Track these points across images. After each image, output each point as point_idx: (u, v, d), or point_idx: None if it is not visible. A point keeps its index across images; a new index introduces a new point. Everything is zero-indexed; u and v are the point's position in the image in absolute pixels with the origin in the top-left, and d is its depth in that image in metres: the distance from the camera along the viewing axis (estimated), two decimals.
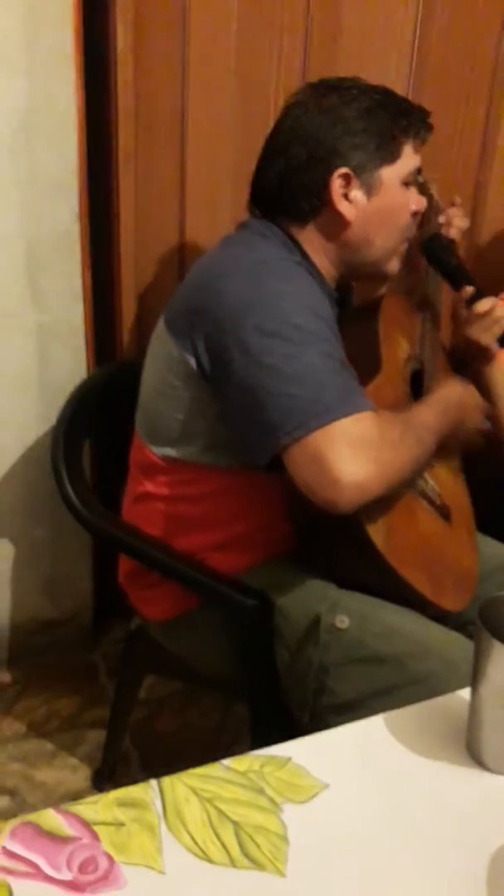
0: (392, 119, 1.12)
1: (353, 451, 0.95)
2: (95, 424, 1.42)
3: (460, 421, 1.19)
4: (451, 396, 1.18)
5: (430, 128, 1.16)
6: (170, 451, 1.16)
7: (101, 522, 1.28)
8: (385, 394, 1.12)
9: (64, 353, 1.59)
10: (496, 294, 1.33)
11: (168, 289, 1.61)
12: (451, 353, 1.44)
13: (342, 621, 1.07)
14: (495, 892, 0.62)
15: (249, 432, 1.02)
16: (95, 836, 0.64)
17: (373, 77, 1.18)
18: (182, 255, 1.64)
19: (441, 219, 1.32)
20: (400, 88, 1.55)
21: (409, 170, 1.15)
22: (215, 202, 1.60)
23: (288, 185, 1.13)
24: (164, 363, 1.13)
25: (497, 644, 0.69)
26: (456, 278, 1.31)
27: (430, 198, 1.29)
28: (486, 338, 1.30)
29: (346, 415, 0.96)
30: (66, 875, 0.61)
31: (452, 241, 1.32)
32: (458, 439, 1.23)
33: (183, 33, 1.47)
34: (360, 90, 1.12)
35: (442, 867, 0.64)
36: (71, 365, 1.59)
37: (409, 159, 1.14)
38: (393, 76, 1.60)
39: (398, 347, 1.22)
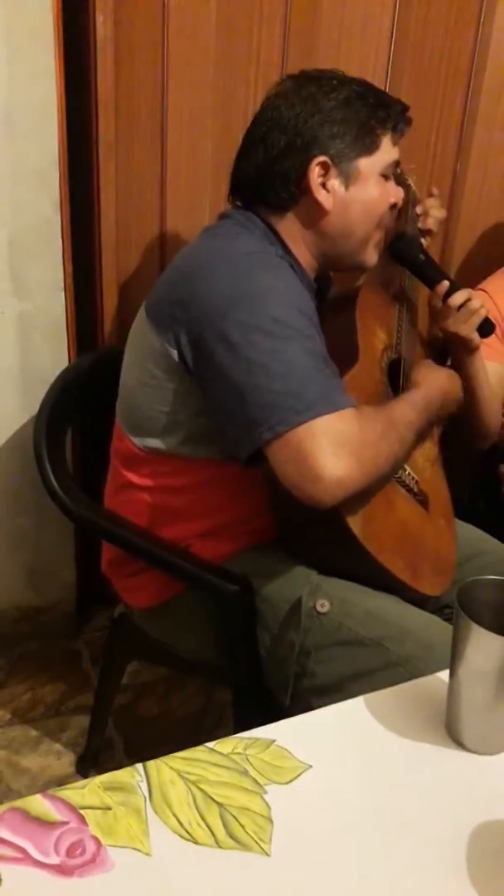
0: (371, 111, 1.12)
1: (334, 448, 0.96)
2: (78, 413, 1.43)
3: (440, 414, 1.21)
4: (436, 392, 1.19)
5: (408, 121, 1.17)
6: (151, 442, 1.17)
7: (83, 511, 1.29)
8: (362, 383, 1.13)
9: (45, 342, 1.59)
10: (473, 284, 1.34)
11: (149, 278, 1.62)
12: (430, 345, 1.46)
13: (323, 605, 1.08)
14: (475, 869, 0.64)
15: (231, 426, 1.02)
16: (83, 820, 0.65)
17: (351, 69, 1.19)
18: (163, 245, 1.64)
19: (418, 210, 1.33)
20: (378, 80, 1.56)
21: (387, 162, 1.15)
22: (196, 192, 1.60)
23: (267, 174, 1.13)
24: (145, 355, 1.13)
25: (474, 627, 0.71)
26: (428, 275, 1.32)
27: (407, 189, 1.30)
28: (466, 329, 1.32)
29: (328, 411, 0.97)
30: (54, 859, 0.62)
31: (419, 238, 1.33)
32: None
33: (162, 23, 1.46)
34: (340, 81, 1.13)
35: (423, 845, 0.66)
36: (53, 354, 1.59)
37: (387, 152, 1.15)
38: (371, 68, 1.61)
39: (375, 337, 1.23)
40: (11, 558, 1.75)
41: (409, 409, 1.12)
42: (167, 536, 1.20)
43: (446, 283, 1.30)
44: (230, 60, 1.53)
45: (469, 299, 1.30)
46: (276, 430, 0.96)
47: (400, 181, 1.24)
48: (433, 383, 1.21)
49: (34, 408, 1.36)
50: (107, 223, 1.55)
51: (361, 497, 1.05)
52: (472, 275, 1.61)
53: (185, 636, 1.26)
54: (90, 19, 1.40)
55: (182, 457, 1.15)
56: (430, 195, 1.37)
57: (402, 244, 1.30)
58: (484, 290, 1.63)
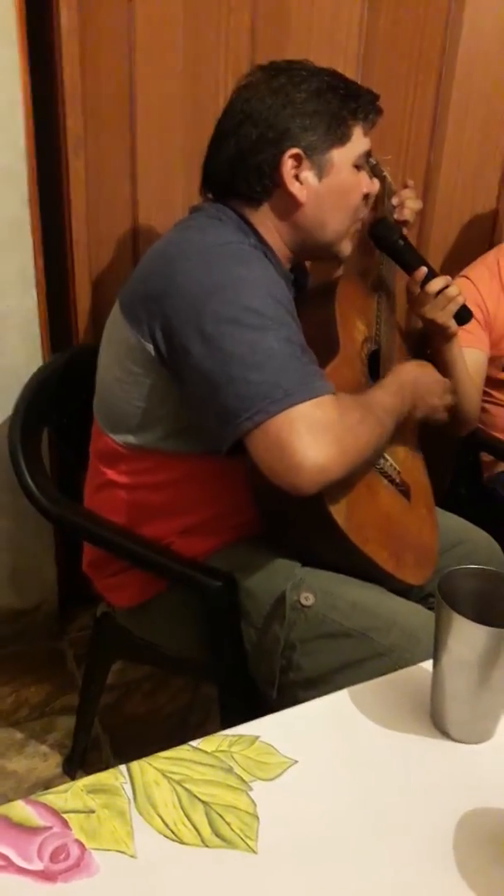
0: (341, 102, 1.12)
1: (313, 435, 0.95)
2: (54, 412, 1.41)
3: (417, 398, 1.21)
4: (406, 378, 1.19)
5: (379, 111, 1.17)
6: (130, 439, 1.16)
7: (62, 512, 1.27)
8: (343, 375, 1.13)
9: (19, 341, 1.57)
10: (449, 273, 1.34)
11: (122, 274, 1.60)
12: (409, 334, 1.45)
13: (307, 598, 1.08)
14: (463, 858, 0.64)
15: (210, 418, 1.02)
16: (66, 825, 0.64)
17: (321, 59, 1.18)
18: (135, 240, 1.62)
19: (394, 200, 1.33)
20: (349, 70, 1.55)
21: (359, 152, 1.15)
22: (167, 185, 1.59)
23: (239, 167, 1.13)
24: (121, 350, 1.12)
25: (456, 616, 0.71)
26: (407, 260, 1.32)
27: (383, 179, 1.30)
28: (443, 316, 1.32)
29: (306, 399, 0.96)
30: (38, 865, 0.61)
31: (399, 224, 1.33)
32: (420, 416, 1.24)
33: (128, 14, 1.45)
34: (310, 72, 1.13)
35: (410, 836, 0.66)
36: (26, 353, 1.58)
37: (358, 142, 1.15)
38: (342, 58, 1.60)
39: (355, 329, 1.23)
40: None
41: (385, 394, 1.13)
42: (148, 534, 1.19)
43: (424, 270, 1.30)
44: (198, 50, 1.51)
45: (447, 286, 1.30)
46: (254, 420, 0.96)
47: (375, 172, 1.23)
48: (402, 370, 1.21)
49: (9, 408, 1.34)
50: (77, 219, 1.53)
51: (344, 488, 1.04)
52: (449, 264, 1.61)
53: (170, 634, 1.26)
54: (54, 11, 1.38)
55: (162, 452, 1.15)
56: (406, 186, 1.37)
57: (381, 229, 1.30)
58: (466, 278, 1.63)
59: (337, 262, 1.34)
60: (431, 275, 1.30)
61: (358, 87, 1.16)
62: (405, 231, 1.35)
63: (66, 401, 1.40)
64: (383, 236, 1.30)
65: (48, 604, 1.84)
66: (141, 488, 1.18)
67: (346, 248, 1.22)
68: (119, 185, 1.57)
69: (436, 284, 1.30)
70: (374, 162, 1.22)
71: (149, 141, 1.55)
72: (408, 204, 1.34)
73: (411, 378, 1.20)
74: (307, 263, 1.34)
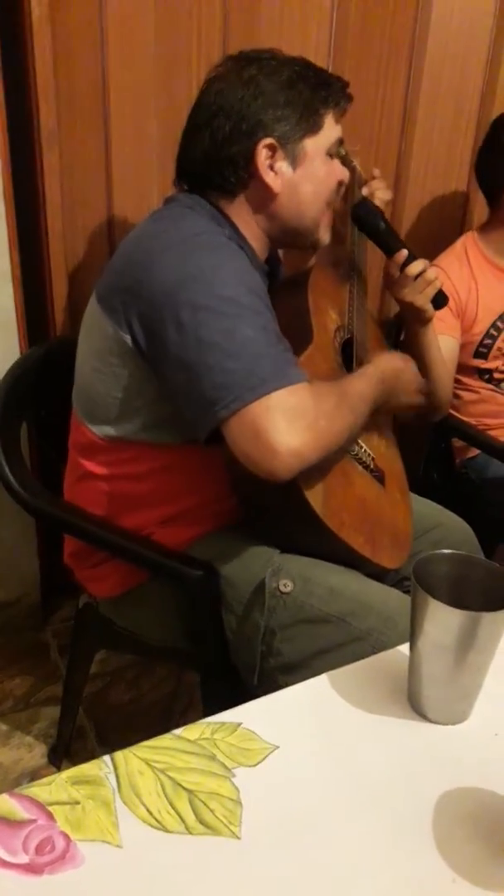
0: (312, 90, 1.12)
1: (288, 422, 0.96)
2: (32, 405, 1.41)
3: (394, 391, 1.22)
4: (387, 369, 1.21)
5: (349, 98, 1.17)
6: (109, 430, 1.16)
7: (42, 505, 1.27)
8: (317, 364, 1.14)
9: None
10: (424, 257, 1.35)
11: (98, 266, 1.60)
12: (383, 322, 1.46)
13: (286, 585, 1.09)
14: (440, 836, 0.65)
15: (188, 407, 1.02)
16: (51, 817, 0.65)
17: (293, 48, 1.18)
18: (111, 232, 1.62)
19: (364, 190, 1.33)
20: (320, 60, 1.56)
21: (331, 140, 1.16)
22: (142, 176, 1.58)
23: (214, 159, 1.13)
24: (99, 341, 1.12)
25: (431, 601, 0.72)
26: (388, 243, 1.32)
27: (353, 170, 1.30)
28: (421, 299, 1.33)
29: (281, 386, 0.97)
30: (23, 858, 0.61)
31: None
32: (391, 409, 1.26)
33: (100, 5, 1.44)
34: (280, 62, 1.13)
35: (390, 816, 0.67)
36: (4, 347, 1.57)
37: (331, 129, 1.15)
38: (313, 47, 1.60)
39: (328, 318, 1.24)
40: None
41: (361, 382, 1.14)
42: (129, 524, 1.20)
43: (405, 252, 1.31)
44: (170, 41, 1.51)
45: (426, 269, 1.31)
46: (230, 408, 0.97)
47: (345, 162, 1.24)
48: (386, 360, 1.23)
49: None
50: (52, 211, 1.53)
51: (320, 474, 1.05)
52: (421, 250, 1.61)
53: (151, 623, 1.27)
54: (24, 3, 1.36)
55: (141, 443, 1.15)
56: (373, 177, 1.37)
57: (364, 211, 1.30)
58: (437, 266, 1.65)
59: (313, 251, 1.34)
60: (411, 258, 1.31)
61: (328, 75, 1.16)
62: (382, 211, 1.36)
63: (44, 394, 1.39)
64: (366, 219, 1.31)
65: (30, 595, 1.84)
66: (120, 479, 1.19)
67: (325, 236, 1.22)
68: (94, 177, 1.56)
69: (415, 267, 1.31)
70: (344, 152, 1.23)
71: (122, 132, 1.54)
72: (378, 194, 1.35)
73: (393, 371, 1.22)
74: (280, 253, 1.34)
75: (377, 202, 1.34)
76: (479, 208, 1.86)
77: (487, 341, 1.70)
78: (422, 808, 0.67)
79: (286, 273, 1.35)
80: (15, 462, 1.27)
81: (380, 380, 1.17)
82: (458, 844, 0.64)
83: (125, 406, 1.13)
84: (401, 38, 1.68)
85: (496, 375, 1.73)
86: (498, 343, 1.70)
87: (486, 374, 1.73)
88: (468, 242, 1.72)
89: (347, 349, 1.26)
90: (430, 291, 1.33)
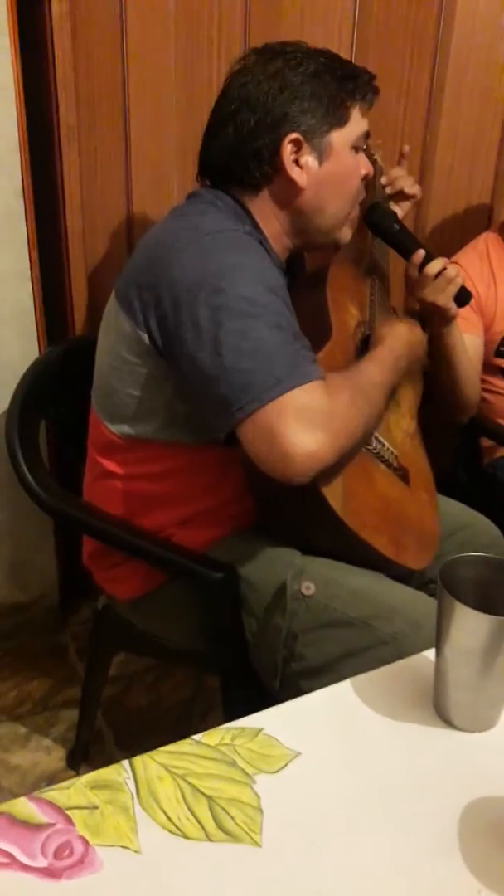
0: (339, 83, 1.11)
1: (302, 423, 0.95)
2: (51, 405, 1.41)
3: (408, 367, 1.21)
4: (399, 346, 1.19)
5: (376, 91, 1.16)
6: (127, 429, 1.15)
7: (60, 505, 1.27)
8: (336, 360, 1.12)
9: (14, 334, 1.56)
10: (446, 256, 1.34)
11: (118, 264, 1.60)
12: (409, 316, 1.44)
13: (308, 588, 1.08)
14: (467, 848, 0.63)
15: (205, 407, 1.01)
16: (69, 821, 0.64)
17: (316, 39, 1.17)
18: (130, 229, 1.61)
19: (383, 180, 1.31)
20: (343, 50, 1.54)
21: (357, 133, 1.14)
22: (162, 173, 1.58)
23: (238, 154, 1.12)
24: (118, 340, 1.12)
25: (458, 605, 0.70)
26: (404, 245, 1.31)
27: (374, 163, 1.29)
28: (443, 298, 1.32)
29: (295, 386, 0.95)
30: (42, 862, 0.61)
31: (411, 198, 1.32)
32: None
33: (120, 1, 1.43)
34: (305, 54, 1.11)
35: (415, 826, 0.66)
36: (22, 346, 1.57)
37: (357, 123, 1.14)
38: (336, 38, 1.59)
39: (347, 314, 1.22)
40: None
41: (375, 368, 1.12)
42: (147, 525, 1.19)
43: (422, 252, 1.29)
44: (191, 37, 1.50)
45: (445, 268, 1.29)
46: (246, 410, 0.95)
47: (367, 155, 1.22)
48: (394, 336, 1.20)
49: (5, 401, 1.34)
50: (72, 209, 1.53)
51: (339, 473, 1.04)
52: (445, 247, 1.60)
53: (171, 626, 1.26)
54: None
55: (159, 442, 1.14)
56: (403, 155, 1.36)
57: (377, 215, 1.29)
58: (456, 263, 1.63)
59: (334, 249, 1.33)
60: (429, 257, 1.30)
61: (354, 68, 1.15)
62: (402, 213, 1.35)
63: (63, 393, 1.39)
64: (379, 222, 1.30)
65: (49, 597, 1.84)
66: (139, 479, 1.18)
67: (346, 234, 1.21)
68: (113, 175, 1.56)
69: (434, 266, 1.29)
70: (366, 145, 1.21)
71: (142, 128, 1.54)
72: (398, 184, 1.33)
73: (405, 345, 1.20)
74: None
75: (406, 191, 1.32)
76: None
77: None
78: (447, 817, 0.66)
79: (307, 269, 1.34)
80: (33, 461, 1.27)
81: (393, 360, 1.15)
82: (484, 854, 0.63)
83: (143, 405, 1.13)
84: (425, 28, 1.66)
85: None
86: None
87: None
88: (490, 239, 1.70)
89: (367, 345, 1.25)
90: (452, 289, 1.31)
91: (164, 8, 1.46)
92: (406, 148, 1.37)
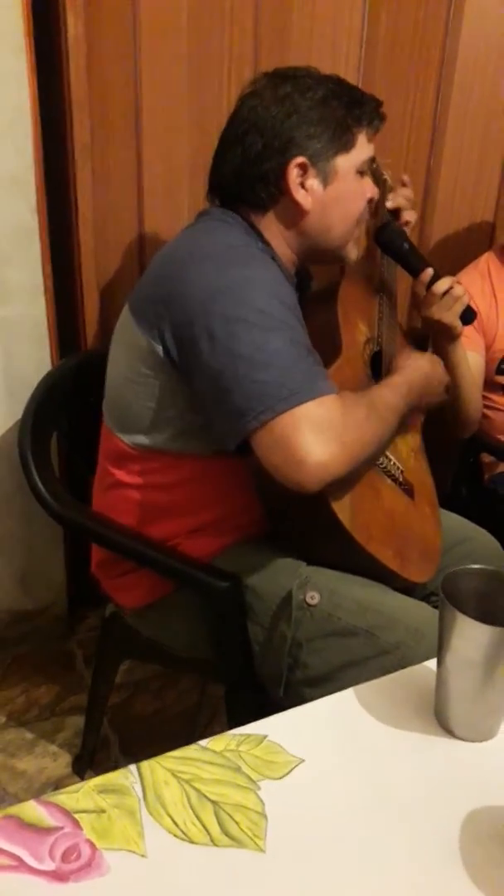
0: (346, 109, 1.13)
1: (317, 433, 0.97)
2: (62, 416, 1.42)
3: (422, 397, 1.22)
4: (417, 377, 1.21)
5: (383, 117, 1.18)
6: (140, 439, 1.17)
7: (70, 514, 1.29)
8: (345, 376, 1.14)
9: (28, 347, 1.58)
10: (450, 275, 1.35)
11: (129, 279, 1.62)
12: (411, 335, 1.46)
13: (313, 597, 1.09)
14: (468, 856, 0.64)
15: (218, 418, 1.03)
16: (77, 825, 0.65)
17: (323, 64, 1.19)
18: (142, 246, 1.63)
19: (389, 203, 1.33)
20: (350, 75, 1.56)
21: (363, 159, 1.16)
22: (173, 192, 1.60)
23: (245, 175, 1.14)
24: (131, 352, 1.13)
25: (460, 616, 0.71)
26: (412, 263, 1.32)
27: (384, 183, 1.30)
28: (449, 316, 1.33)
29: (310, 398, 0.97)
30: (49, 865, 0.62)
31: (405, 226, 1.34)
32: (421, 409, 1.25)
33: (133, 22, 1.46)
34: (315, 80, 1.13)
35: (417, 834, 0.66)
36: (35, 359, 1.59)
37: (363, 148, 1.16)
38: (343, 63, 1.61)
39: (357, 330, 1.24)
40: (1, 563, 1.75)
41: (390, 392, 1.14)
42: (156, 534, 1.21)
43: (430, 271, 1.31)
44: (202, 57, 1.52)
45: (452, 287, 1.31)
46: (260, 419, 0.97)
47: (375, 175, 1.24)
48: (414, 367, 1.23)
49: (18, 413, 1.36)
50: (85, 226, 1.55)
51: (348, 487, 1.06)
52: (448, 267, 1.61)
53: (177, 634, 1.27)
54: (61, 20, 1.39)
55: (171, 453, 1.16)
56: (403, 184, 1.38)
57: (387, 233, 1.31)
58: (457, 282, 1.64)
59: (341, 266, 1.35)
60: (437, 276, 1.31)
61: (362, 94, 1.16)
62: (408, 233, 1.36)
63: (74, 405, 1.41)
64: (389, 242, 1.31)
65: (57, 605, 1.85)
66: (150, 488, 1.20)
67: (353, 252, 1.23)
68: (126, 193, 1.58)
69: (442, 285, 1.31)
70: (375, 165, 1.23)
71: (154, 147, 1.56)
72: (404, 215, 1.34)
73: (423, 376, 1.22)
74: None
75: (403, 216, 1.34)
76: None
77: None
78: (448, 826, 0.67)
79: (316, 286, 1.35)
80: (45, 472, 1.29)
81: (409, 389, 1.17)
82: (484, 863, 0.64)
83: (156, 416, 1.14)
84: (431, 54, 1.68)
85: None
86: None
87: None
88: (491, 259, 1.72)
89: (377, 361, 1.27)
90: (458, 308, 1.33)
91: (176, 31, 1.49)
92: (406, 178, 1.39)
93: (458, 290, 1.32)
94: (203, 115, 1.54)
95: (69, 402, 1.41)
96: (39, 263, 1.53)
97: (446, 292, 1.31)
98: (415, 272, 1.32)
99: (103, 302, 1.63)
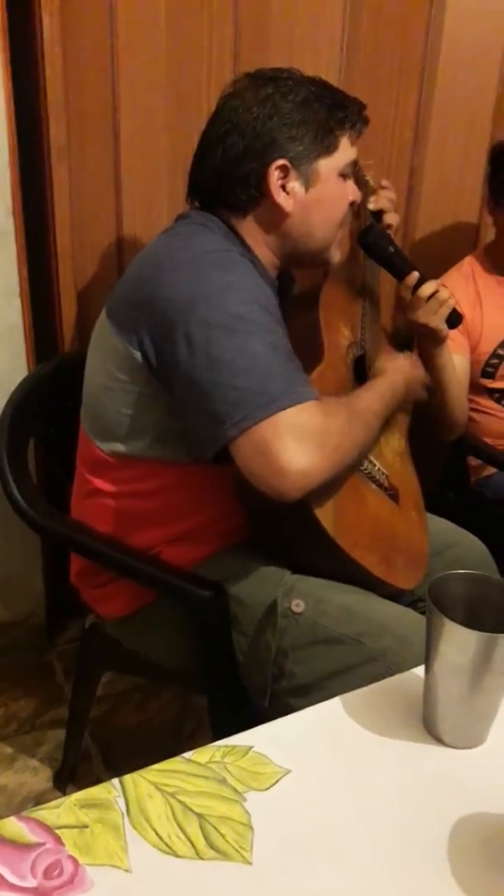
0: (329, 111, 1.12)
1: (297, 440, 0.95)
2: (39, 423, 1.40)
3: (404, 399, 1.22)
4: (396, 380, 1.21)
5: (366, 120, 1.18)
6: (118, 447, 1.16)
7: (48, 523, 1.26)
8: (328, 380, 1.13)
9: (4, 351, 1.56)
10: (435, 277, 1.35)
11: (107, 283, 1.60)
12: (395, 338, 1.46)
13: (298, 605, 1.08)
14: (456, 862, 0.64)
15: (197, 424, 1.01)
16: (59, 841, 0.64)
17: (304, 64, 1.19)
18: (120, 249, 1.62)
19: (371, 205, 1.33)
20: (332, 75, 1.57)
21: (345, 162, 1.16)
22: (152, 194, 1.59)
23: (226, 177, 1.13)
24: (108, 358, 1.12)
25: (447, 622, 0.71)
26: (398, 267, 1.32)
27: (365, 184, 1.30)
28: (435, 320, 1.33)
29: (291, 404, 0.96)
30: (31, 882, 0.60)
31: (388, 229, 1.33)
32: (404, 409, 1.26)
33: (111, 22, 1.45)
34: (297, 81, 1.13)
35: (405, 842, 0.66)
36: (11, 363, 1.57)
37: (345, 151, 1.15)
38: (324, 63, 1.61)
39: (339, 334, 1.23)
40: None
41: (372, 397, 1.13)
42: (137, 543, 1.19)
43: (416, 274, 1.31)
44: (181, 59, 1.52)
45: (438, 290, 1.31)
46: (240, 427, 0.96)
47: (357, 177, 1.24)
48: (395, 370, 1.22)
49: None
50: (62, 228, 1.53)
51: (331, 493, 1.05)
52: (433, 268, 1.62)
53: (160, 645, 1.25)
54: (36, 19, 1.38)
55: (149, 460, 1.14)
56: (382, 187, 1.37)
57: (371, 236, 1.30)
58: (443, 286, 1.65)
59: (324, 269, 1.34)
60: (422, 279, 1.31)
61: (345, 97, 1.16)
62: (392, 235, 1.36)
63: (52, 411, 1.39)
64: (374, 244, 1.31)
65: (36, 616, 1.83)
66: (129, 497, 1.18)
67: (335, 255, 1.22)
68: (103, 194, 1.57)
69: (427, 289, 1.31)
70: (357, 167, 1.23)
71: (132, 148, 1.55)
72: (385, 217, 1.34)
73: (403, 379, 1.22)
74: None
75: (386, 219, 1.34)
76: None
77: (494, 361, 1.69)
78: (437, 834, 0.66)
79: (298, 290, 1.35)
80: (22, 479, 1.26)
81: (392, 393, 1.17)
82: (473, 870, 0.63)
83: (134, 423, 1.13)
84: (412, 56, 1.69)
85: None
86: None
87: (495, 394, 1.72)
88: (475, 261, 1.72)
89: (360, 365, 1.26)
90: (444, 311, 1.33)
91: (154, 29, 1.48)
92: (385, 181, 1.38)
93: (443, 293, 1.31)
94: (181, 117, 1.54)
95: (46, 408, 1.40)
96: (15, 266, 1.51)
97: (432, 296, 1.31)
98: (400, 275, 1.32)
99: (81, 305, 1.62)
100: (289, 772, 0.71)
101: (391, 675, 0.85)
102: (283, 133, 1.10)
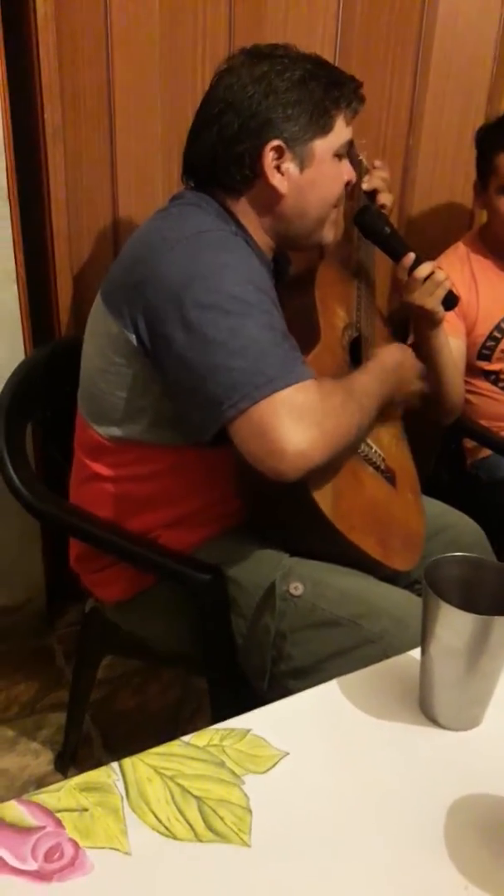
0: (325, 90, 1.11)
1: (295, 420, 0.95)
2: (37, 407, 1.40)
3: (399, 384, 1.21)
4: (390, 362, 1.20)
5: (362, 99, 1.16)
6: (115, 431, 1.15)
7: (47, 507, 1.26)
8: (324, 362, 1.13)
9: (0, 335, 1.56)
10: (430, 258, 1.34)
11: (104, 265, 1.60)
12: (391, 320, 1.45)
13: (296, 588, 1.08)
14: (452, 843, 0.64)
15: (194, 407, 1.01)
16: (59, 824, 0.64)
17: (300, 42, 1.17)
18: (116, 230, 1.61)
19: (365, 185, 1.32)
20: (327, 53, 1.55)
21: (341, 142, 1.14)
22: (147, 174, 1.58)
23: (220, 156, 1.12)
24: (104, 341, 1.12)
25: (443, 604, 0.71)
26: (394, 248, 1.31)
27: (359, 164, 1.29)
28: (431, 302, 1.33)
29: (288, 385, 0.96)
30: (32, 865, 0.61)
31: (381, 209, 1.33)
32: (397, 402, 1.25)
33: (104, 2, 1.43)
34: (292, 59, 1.11)
35: (402, 824, 0.66)
36: (8, 348, 1.56)
37: (341, 131, 1.14)
38: (319, 43, 1.59)
39: (335, 316, 1.23)
40: None
41: (367, 378, 1.13)
42: (134, 527, 1.19)
43: (412, 256, 1.30)
44: (176, 38, 1.50)
45: (434, 272, 1.30)
46: (238, 408, 0.96)
47: (351, 157, 1.23)
48: (388, 352, 1.22)
49: None
50: (57, 209, 1.52)
51: (329, 476, 1.04)
52: (427, 250, 1.61)
53: (159, 628, 1.26)
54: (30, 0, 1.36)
55: (146, 444, 1.14)
56: (374, 167, 1.36)
57: (368, 217, 1.29)
58: (439, 267, 1.64)
59: (319, 251, 1.34)
60: (418, 261, 1.30)
61: (341, 75, 1.14)
62: (386, 213, 1.35)
63: (49, 395, 1.39)
64: (370, 225, 1.30)
65: (35, 601, 1.83)
66: (126, 481, 1.18)
67: (329, 235, 1.21)
68: (99, 175, 1.56)
69: (424, 270, 1.30)
70: (352, 147, 1.22)
71: (127, 129, 1.54)
72: (373, 184, 1.32)
73: (395, 363, 1.21)
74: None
75: (379, 199, 1.33)
76: None
77: (490, 343, 1.69)
78: (433, 815, 0.67)
79: (294, 271, 1.34)
80: (20, 464, 1.26)
81: (383, 374, 1.16)
82: (470, 852, 0.64)
83: (130, 406, 1.12)
84: (407, 34, 1.67)
85: (503, 377, 1.72)
86: (501, 345, 1.69)
87: (491, 376, 1.72)
88: (470, 242, 1.71)
89: (356, 347, 1.25)
90: (440, 293, 1.32)
91: (148, 8, 1.46)
92: (378, 161, 1.37)
93: (439, 275, 1.31)
94: (176, 96, 1.52)
95: (44, 393, 1.39)
96: (11, 249, 1.50)
97: (428, 277, 1.30)
98: (396, 256, 1.31)
99: (77, 288, 1.61)
100: (287, 754, 0.72)
101: (388, 657, 0.85)
102: (279, 113, 1.09)
